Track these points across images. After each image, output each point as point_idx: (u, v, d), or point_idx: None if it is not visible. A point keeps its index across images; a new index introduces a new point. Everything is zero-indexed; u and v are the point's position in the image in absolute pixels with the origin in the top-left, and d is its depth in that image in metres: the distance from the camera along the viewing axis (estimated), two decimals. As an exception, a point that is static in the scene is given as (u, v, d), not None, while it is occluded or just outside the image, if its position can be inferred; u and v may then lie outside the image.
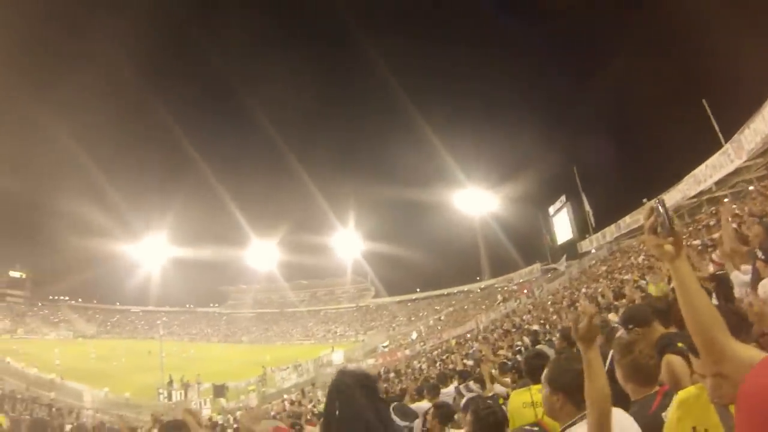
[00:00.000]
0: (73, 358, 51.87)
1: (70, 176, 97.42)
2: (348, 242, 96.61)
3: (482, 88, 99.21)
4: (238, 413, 26.75)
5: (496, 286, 71.14)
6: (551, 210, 62.00)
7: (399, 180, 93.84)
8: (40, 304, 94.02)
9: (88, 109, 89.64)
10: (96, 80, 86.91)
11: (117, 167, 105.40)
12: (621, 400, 2.69)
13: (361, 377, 2.07)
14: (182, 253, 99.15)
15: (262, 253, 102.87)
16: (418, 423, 5.03)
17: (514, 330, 27.49)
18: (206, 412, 30.49)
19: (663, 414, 2.48)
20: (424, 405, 6.46)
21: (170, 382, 37.10)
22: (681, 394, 2.24)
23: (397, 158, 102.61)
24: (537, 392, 3.69)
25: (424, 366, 30.10)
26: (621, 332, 4.24)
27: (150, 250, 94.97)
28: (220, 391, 35.55)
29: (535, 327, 22.25)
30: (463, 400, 5.92)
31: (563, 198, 58.31)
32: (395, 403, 5.44)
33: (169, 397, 35.24)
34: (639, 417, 2.52)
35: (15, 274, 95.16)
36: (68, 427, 23.72)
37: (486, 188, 76.06)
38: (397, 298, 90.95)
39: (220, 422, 23.15)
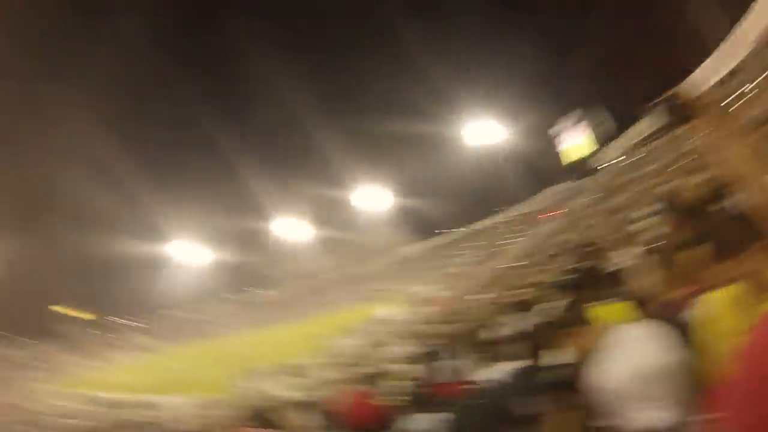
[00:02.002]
0: (145, 374, 55.07)
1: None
2: (369, 194, 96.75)
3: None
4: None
5: (520, 213, 69.86)
6: (562, 128, 60.49)
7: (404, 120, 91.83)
8: (98, 332, 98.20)
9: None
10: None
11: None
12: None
13: None
14: (215, 251, 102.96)
15: (291, 228, 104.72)
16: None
17: (554, 252, 26.48)
18: (281, 393, 32.21)
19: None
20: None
21: (241, 373, 39.15)
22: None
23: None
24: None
25: (472, 306, 30.75)
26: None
27: (185, 253, 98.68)
28: (287, 371, 36.41)
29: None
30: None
31: (575, 114, 56.99)
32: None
33: (247, 387, 36.79)
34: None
35: (68, 311, 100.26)
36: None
37: (493, 118, 73.89)
38: (432, 242, 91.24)
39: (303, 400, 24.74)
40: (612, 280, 4.54)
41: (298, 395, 29.36)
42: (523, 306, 7.74)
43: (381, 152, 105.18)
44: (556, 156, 62.85)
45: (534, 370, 3.50)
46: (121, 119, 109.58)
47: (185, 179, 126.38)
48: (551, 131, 63.27)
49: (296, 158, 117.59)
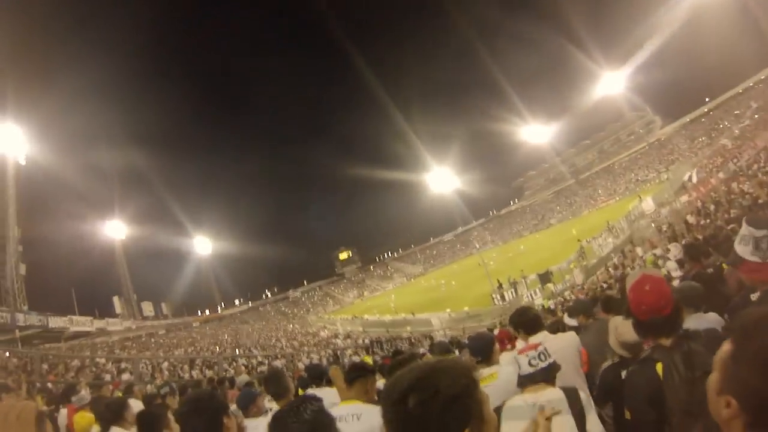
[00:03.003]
0: (414, 296, 58.95)
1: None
2: (613, 80, 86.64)
3: None
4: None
5: None
6: None
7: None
8: (371, 267, 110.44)
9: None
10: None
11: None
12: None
13: None
14: (468, 172, 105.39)
15: (536, 133, 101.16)
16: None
17: None
18: (538, 301, 31.79)
19: None
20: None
21: (499, 286, 39.24)
22: None
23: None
24: None
25: (745, 187, 25.87)
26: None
27: (440, 179, 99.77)
28: (545, 278, 36.11)
29: None
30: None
31: None
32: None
33: (502, 298, 37.41)
34: None
35: (344, 255, 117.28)
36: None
37: None
38: (688, 118, 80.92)
39: (552, 307, 23.99)
40: None
41: (548, 302, 28.57)
42: None
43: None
44: None
45: None
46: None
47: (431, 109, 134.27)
48: None
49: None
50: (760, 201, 16.38)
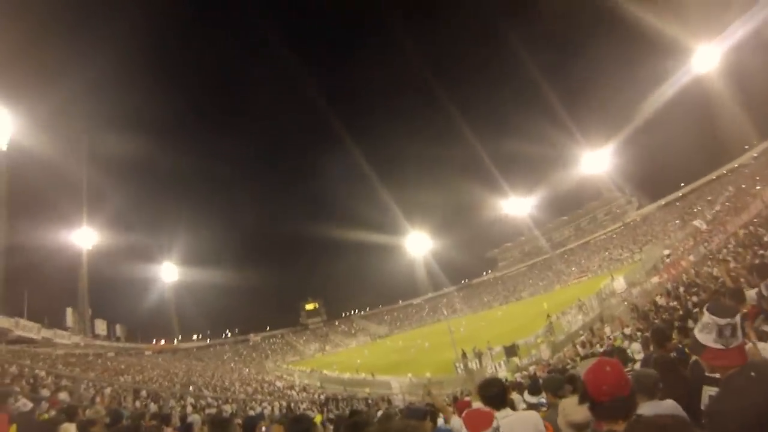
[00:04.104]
0: (376, 357, 57.53)
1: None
2: (595, 160, 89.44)
3: None
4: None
5: None
6: None
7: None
8: (336, 323, 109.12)
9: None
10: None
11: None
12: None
13: None
14: (444, 237, 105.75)
15: (516, 206, 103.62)
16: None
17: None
18: (502, 374, 30.94)
19: None
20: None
21: (464, 355, 38.26)
22: None
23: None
24: None
25: (714, 271, 26.23)
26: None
27: (414, 243, 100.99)
28: (511, 351, 35.51)
29: None
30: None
31: None
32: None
33: (466, 368, 36.44)
34: None
35: (310, 306, 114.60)
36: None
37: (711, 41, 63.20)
38: (663, 201, 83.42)
39: (519, 380, 23.27)
40: None
41: (511, 376, 27.78)
42: None
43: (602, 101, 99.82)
44: None
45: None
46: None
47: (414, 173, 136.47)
48: None
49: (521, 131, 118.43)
50: (726, 286, 16.24)
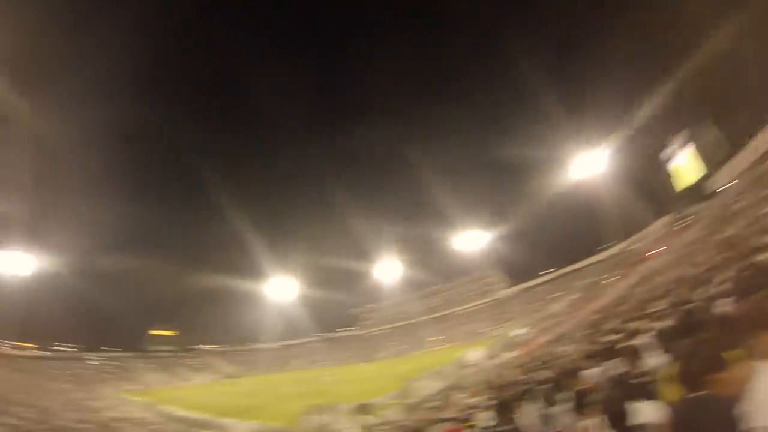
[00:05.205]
0: (221, 398, 54.19)
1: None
2: (468, 240, 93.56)
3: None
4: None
5: (625, 250, 66.93)
6: (668, 153, 56.16)
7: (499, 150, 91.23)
8: (184, 354, 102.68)
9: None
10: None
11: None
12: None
13: None
14: (309, 286, 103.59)
15: (387, 269, 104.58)
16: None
17: (654, 294, 24.36)
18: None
19: None
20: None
21: (314, 408, 37.01)
22: None
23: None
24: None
25: (566, 349, 27.83)
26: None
27: (279, 288, 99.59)
28: (363, 409, 34.95)
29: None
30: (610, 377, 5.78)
31: (680, 138, 52.71)
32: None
33: (314, 422, 35.18)
34: None
35: (159, 332, 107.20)
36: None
37: (596, 148, 69.50)
38: (527, 285, 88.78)
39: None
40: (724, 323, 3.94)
41: None
42: (617, 352, 7.27)
43: (478, 195, 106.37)
44: (665, 182, 57.88)
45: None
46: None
47: (287, 220, 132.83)
48: (660, 155, 58.25)
49: (395, 201, 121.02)
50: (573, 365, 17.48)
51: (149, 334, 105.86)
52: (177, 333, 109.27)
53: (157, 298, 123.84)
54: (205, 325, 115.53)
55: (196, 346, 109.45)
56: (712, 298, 7.02)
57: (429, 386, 38.10)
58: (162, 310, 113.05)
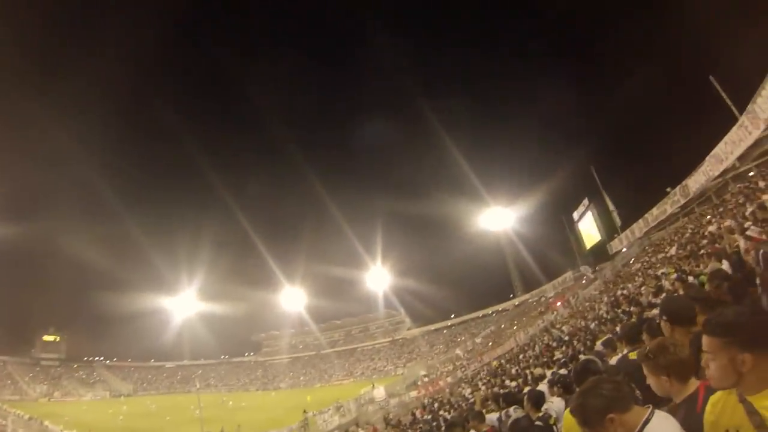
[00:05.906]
0: (111, 418, 51.17)
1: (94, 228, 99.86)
2: (377, 278, 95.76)
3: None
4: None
5: (530, 300, 70.44)
6: (575, 215, 61.18)
7: (421, 206, 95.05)
8: (75, 365, 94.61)
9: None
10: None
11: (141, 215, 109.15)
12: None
13: None
14: (212, 307, 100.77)
15: (292, 298, 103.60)
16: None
17: (554, 343, 26.13)
18: None
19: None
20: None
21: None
22: (712, 398, 2.22)
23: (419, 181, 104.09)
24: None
25: (467, 392, 28.76)
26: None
27: (181, 305, 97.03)
28: None
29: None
30: (510, 421, 5.79)
31: (586, 201, 57.08)
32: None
33: None
34: (686, 419, 2.39)
35: (49, 338, 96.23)
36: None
37: (507, 205, 75.88)
38: (433, 327, 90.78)
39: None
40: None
41: None
42: (519, 397, 7.63)
43: (391, 235, 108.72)
44: (570, 242, 64.09)
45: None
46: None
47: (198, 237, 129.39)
48: (566, 217, 64.17)
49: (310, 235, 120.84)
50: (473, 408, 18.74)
51: (39, 340, 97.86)
52: (68, 340, 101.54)
53: (51, 304, 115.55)
54: (100, 333, 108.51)
55: (89, 358, 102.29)
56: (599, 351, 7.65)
57: (330, 421, 38.14)
58: (56, 317, 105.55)
